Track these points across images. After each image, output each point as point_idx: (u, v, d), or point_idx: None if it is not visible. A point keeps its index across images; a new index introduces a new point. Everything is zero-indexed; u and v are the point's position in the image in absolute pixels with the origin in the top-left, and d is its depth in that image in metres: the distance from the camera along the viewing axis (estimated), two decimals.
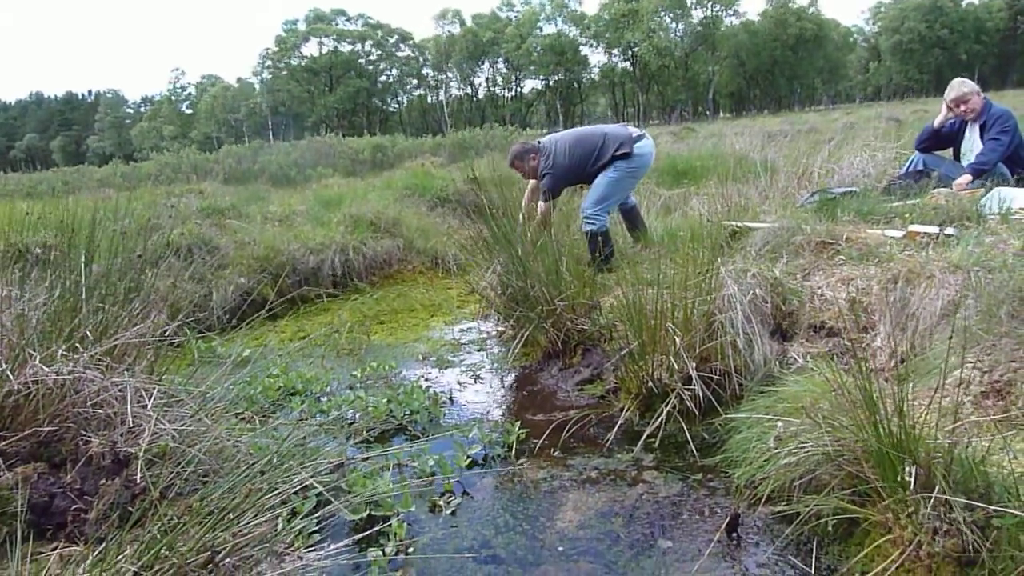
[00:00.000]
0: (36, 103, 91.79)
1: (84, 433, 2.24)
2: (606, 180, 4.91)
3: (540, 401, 3.74)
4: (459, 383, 4.11)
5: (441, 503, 2.70)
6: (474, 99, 78.39)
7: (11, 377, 2.17)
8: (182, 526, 1.71)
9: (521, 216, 4.90)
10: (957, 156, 5.11)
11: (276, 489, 2.00)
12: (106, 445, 2.16)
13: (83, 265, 2.68)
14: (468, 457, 3.00)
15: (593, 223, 4.91)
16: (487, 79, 77.36)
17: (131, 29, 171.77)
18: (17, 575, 1.67)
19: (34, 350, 2.29)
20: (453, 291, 6.39)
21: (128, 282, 2.77)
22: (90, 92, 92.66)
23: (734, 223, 4.37)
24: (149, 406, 2.30)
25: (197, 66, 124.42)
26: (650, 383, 3.24)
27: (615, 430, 3.17)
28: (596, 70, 75.40)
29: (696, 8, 68.16)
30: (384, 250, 7.10)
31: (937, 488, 1.81)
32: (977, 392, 2.40)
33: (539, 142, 5.09)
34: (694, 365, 3.14)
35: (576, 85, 75.37)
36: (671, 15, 66.67)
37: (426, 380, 4.12)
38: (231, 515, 1.78)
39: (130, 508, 1.98)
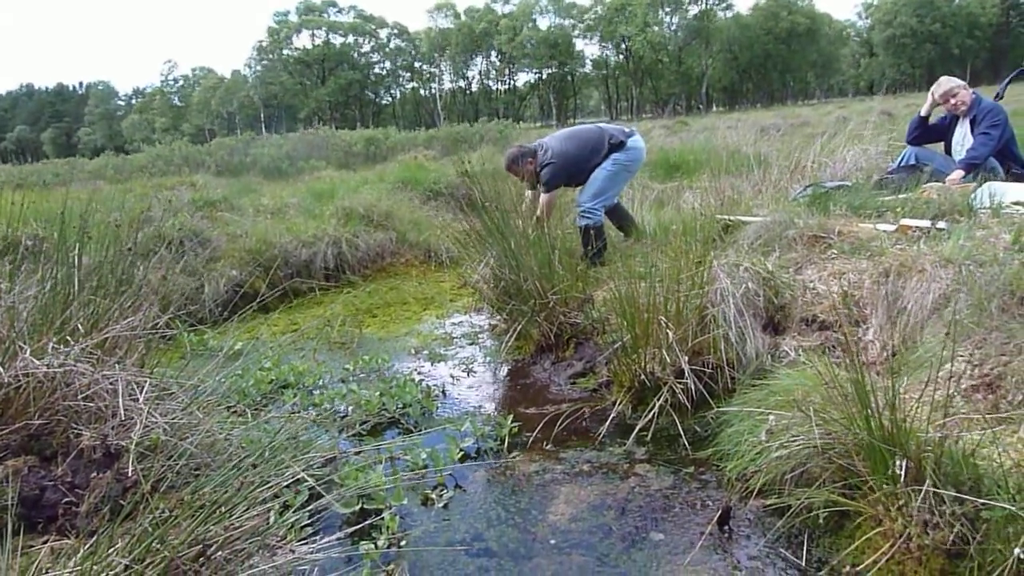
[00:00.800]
0: (27, 95, 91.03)
1: (75, 426, 2.23)
2: (604, 174, 4.96)
3: (533, 394, 3.74)
4: (452, 376, 4.11)
5: (433, 496, 2.70)
6: (467, 92, 78.25)
7: (1, 370, 2.15)
8: (174, 519, 1.70)
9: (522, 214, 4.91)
10: (948, 150, 5.14)
11: (268, 482, 1.99)
12: (97, 438, 2.14)
13: (75, 257, 2.66)
14: (460, 450, 3.00)
15: (590, 217, 4.94)
16: (480, 72, 77.27)
17: (122, 21, 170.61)
18: (8, 568, 1.66)
19: (25, 343, 2.27)
20: (446, 284, 6.40)
21: (119, 275, 2.76)
22: (81, 84, 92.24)
23: (727, 217, 4.38)
24: (140, 399, 2.28)
25: (189, 58, 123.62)
26: (642, 376, 3.25)
27: (607, 423, 3.18)
28: (589, 63, 75.37)
29: (692, 5, 68.24)
30: (377, 243, 7.09)
31: (927, 481, 1.82)
32: (967, 386, 2.41)
33: (535, 144, 5.11)
34: (686, 358, 3.15)
35: (570, 78, 75.34)
36: (665, 10, 66.69)
37: (419, 373, 4.11)
38: (223, 508, 1.78)
39: (121, 501, 1.97)
